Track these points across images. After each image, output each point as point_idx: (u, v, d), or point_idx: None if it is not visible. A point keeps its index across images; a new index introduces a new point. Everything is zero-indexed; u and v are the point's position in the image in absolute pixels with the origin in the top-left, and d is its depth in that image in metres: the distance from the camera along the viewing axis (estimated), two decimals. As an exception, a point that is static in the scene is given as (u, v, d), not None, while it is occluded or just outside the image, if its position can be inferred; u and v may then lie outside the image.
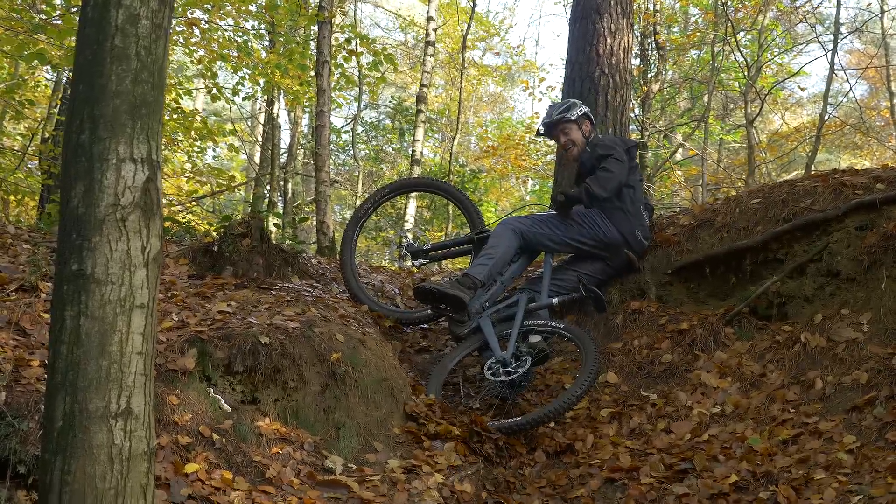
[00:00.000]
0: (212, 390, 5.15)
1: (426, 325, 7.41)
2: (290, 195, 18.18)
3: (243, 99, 16.91)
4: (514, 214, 7.81)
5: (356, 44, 14.08)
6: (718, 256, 6.89)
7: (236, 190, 21.24)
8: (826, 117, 15.20)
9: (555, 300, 6.83)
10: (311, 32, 16.71)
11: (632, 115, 14.27)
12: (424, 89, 18.75)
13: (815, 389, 5.68)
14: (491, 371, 6.29)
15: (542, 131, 7.59)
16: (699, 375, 6.18)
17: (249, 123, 24.00)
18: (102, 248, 3.42)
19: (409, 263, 7.70)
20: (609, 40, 9.92)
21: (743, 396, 5.88)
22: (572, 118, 7.36)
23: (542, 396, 6.44)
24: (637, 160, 7.41)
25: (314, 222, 13.31)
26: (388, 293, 7.82)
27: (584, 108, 7.44)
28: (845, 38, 16.29)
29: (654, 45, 18.38)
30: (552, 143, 9.16)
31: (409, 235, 7.68)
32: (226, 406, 5.10)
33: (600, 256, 7.11)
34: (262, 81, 14.79)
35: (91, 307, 3.39)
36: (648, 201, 7.43)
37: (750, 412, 5.70)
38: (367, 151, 23.57)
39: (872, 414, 5.24)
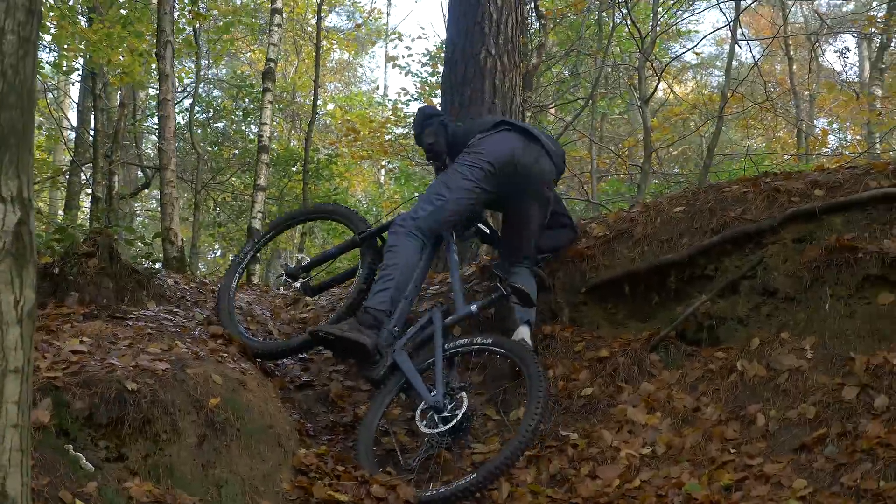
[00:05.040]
0: (71, 447, 4.99)
1: (305, 356, 7.27)
2: (115, 189, 17.76)
3: (64, 73, 16.53)
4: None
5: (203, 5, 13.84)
6: (639, 273, 6.93)
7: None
8: (729, 94, 15.42)
9: (473, 306, 6.61)
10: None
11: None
12: (272, 64, 18.48)
13: (757, 426, 5.79)
14: (425, 422, 5.97)
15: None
16: (624, 410, 6.22)
17: (54, 96, 23.29)
18: (-33, 305, 3.31)
19: (291, 289, 7.51)
20: (495, 16, 9.95)
21: (676, 434, 5.94)
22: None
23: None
24: None
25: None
26: (258, 317, 7.67)
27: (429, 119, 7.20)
28: (750, 4, 16.58)
29: (534, 14, 18.45)
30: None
31: (290, 262, 7.34)
32: (88, 465, 4.95)
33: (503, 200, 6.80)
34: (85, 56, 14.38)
35: (-44, 375, 3.28)
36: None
37: (685, 453, 5.77)
38: (206, 138, 23.11)
39: (823, 454, 5.38)
